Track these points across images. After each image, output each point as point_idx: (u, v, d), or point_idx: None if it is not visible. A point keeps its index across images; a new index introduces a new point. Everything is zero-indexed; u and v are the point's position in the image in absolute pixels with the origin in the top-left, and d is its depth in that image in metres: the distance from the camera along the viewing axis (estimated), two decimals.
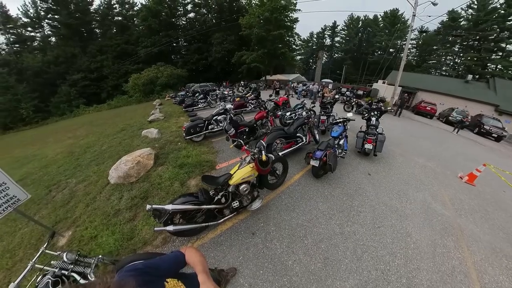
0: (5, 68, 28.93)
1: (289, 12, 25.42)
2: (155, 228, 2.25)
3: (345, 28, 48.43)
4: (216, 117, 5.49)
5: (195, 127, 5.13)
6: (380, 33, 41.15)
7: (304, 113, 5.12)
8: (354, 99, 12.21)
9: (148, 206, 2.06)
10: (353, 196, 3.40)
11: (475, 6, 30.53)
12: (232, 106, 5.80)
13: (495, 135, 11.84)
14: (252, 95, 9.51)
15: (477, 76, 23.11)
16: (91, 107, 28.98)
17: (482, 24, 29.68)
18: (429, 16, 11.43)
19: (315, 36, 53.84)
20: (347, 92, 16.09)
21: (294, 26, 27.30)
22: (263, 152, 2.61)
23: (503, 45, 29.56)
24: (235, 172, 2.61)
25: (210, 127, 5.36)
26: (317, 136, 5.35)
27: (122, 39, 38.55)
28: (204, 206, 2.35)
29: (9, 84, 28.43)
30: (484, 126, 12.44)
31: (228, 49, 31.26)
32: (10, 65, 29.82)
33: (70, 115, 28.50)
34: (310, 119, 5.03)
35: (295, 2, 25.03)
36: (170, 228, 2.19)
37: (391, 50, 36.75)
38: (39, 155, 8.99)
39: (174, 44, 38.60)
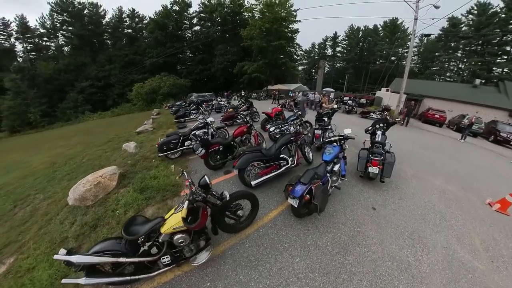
0: (19, 74, 30.33)
1: (289, 23, 25.65)
2: (63, 280, 1.80)
3: (346, 38, 49.05)
4: (195, 131, 4.85)
5: (169, 144, 4.52)
6: (381, 42, 41.41)
7: (291, 128, 4.16)
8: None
9: (60, 253, 1.67)
10: (348, 247, 2.45)
11: (475, 12, 30.42)
12: (213, 119, 5.09)
13: None
14: (244, 106, 8.83)
15: (483, 81, 22.31)
16: (96, 114, 29.68)
17: (483, 29, 29.33)
18: (432, 19, 10.92)
19: (316, 46, 54.71)
20: (349, 101, 15.46)
21: (295, 36, 27.49)
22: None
23: (508, 48, 29.17)
24: (170, 217, 1.92)
25: (187, 143, 4.70)
26: (309, 155, 4.49)
27: (130, 50, 40.32)
28: (124, 259, 1.77)
29: (21, 90, 29.78)
30: (501, 134, 11.48)
31: (230, 60, 31.83)
32: (24, 72, 31.34)
33: (75, 121, 29.32)
34: (300, 135, 4.17)
35: (295, 14, 25.31)
36: (81, 281, 1.76)
37: (392, 58, 36.49)
38: (28, 163, 9.04)
39: (180, 55, 39.81)
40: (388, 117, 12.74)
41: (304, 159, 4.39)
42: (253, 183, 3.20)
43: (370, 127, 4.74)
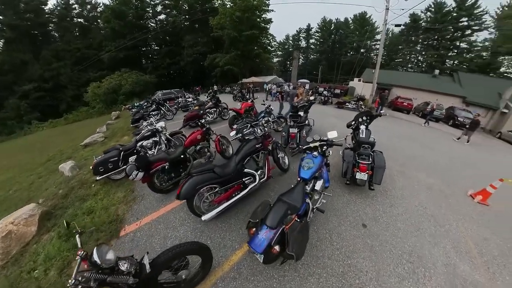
0: None
1: (262, 13, 24.60)
2: None
3: (319, 30, 49.80)
4: (142, 142, 3.80)
5: (106, 163, 3.42)
6: (352, 35, 43.19)
7: (258, 130, 3.12)
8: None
9: None
10: None
11: (432, 9, 33.80)
12: (163, 124, 4.03)
13: (469, 126, 12.01)
14: (210, 103, 7.66)
15: (438, 71, 25.45)
16: (46, 122, 25.00)
17: (439, 25, 32.63)
18: (402, 9, 11.11)
19: (290, 38, 54.72)
20: (324, 92, 15.40)
21: (268, 26, 26.63)
22: None
23: (458, 43, 33.08)
24: None
25: (131, 159, 3.56)
26: (285, 160, 3.72)
27: (83, 43, 34.88)
28: None
29: None
30: (458, 118, 12.80)
31: (200, 52, 29.61)
32: None
33: (21, 133, 24.44)
34: (269, 139, 3.28)
35: (267, 2, 24.30)
36: None
37: (362, 50, 38.57)
38: None
39: (143, 48, 35.87)
40: (363, 106, 12.97)
41: (277, 167, 3.54)
42: (203, 218, 2.31)
43: (353, 122, 4.19)
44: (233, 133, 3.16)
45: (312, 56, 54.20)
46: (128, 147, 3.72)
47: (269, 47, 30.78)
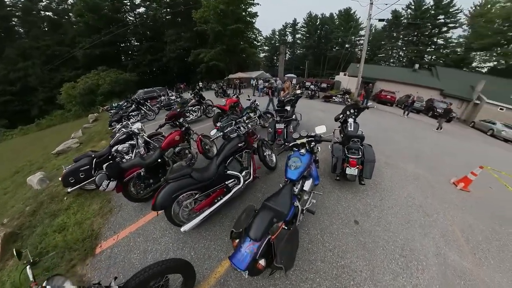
0: None
1: (247, 6, 23.99)
2: None
3: (305, 25, 50.07)
4: (117, 146, 3.46)
5: (77, 173, 2.99)
6: (337, 30, 44.24)
7: (241, 127, 2.94)
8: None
9: None
10: None
11: (413, 7, 35.77)
12: (139, 126, 3.64)
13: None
14: (193, 100, 7.30)
15: (418, 66, 27.02)
16: (16, 129, 22.58)
17: (419, 21, 34.69)
18: (386, 4, 11.32)
19: (277, 33, 54.47)
20: (311, 86, 15.48)
21: (254, 20, 26.11)
22: None
23: (435, 39, 35.38)
24: None
25: (106, 166, 3.24)
26: (272, 158, 3.52)
27: (52, 40, 31.90)
28: None
29: None
30: (437, 110, 13.56)
31: (183, 47, 28.42)
32: None
33: None
34: (254, 137, 3.11)
35: None
36: None
37: (346, 45, 39.72)
38: None
39: (122, 44, 33.67)
40: (349, 99, 13.21)
41: (264, 165, 3.33)
42: (183, 229, 2.07)
43: (341, 115, 4.14)
44: (213, 131, 2.91)
45: (298, 51, 54.48)
46: (101, 153, 3.34)
47: (255, 42, 30.27)
